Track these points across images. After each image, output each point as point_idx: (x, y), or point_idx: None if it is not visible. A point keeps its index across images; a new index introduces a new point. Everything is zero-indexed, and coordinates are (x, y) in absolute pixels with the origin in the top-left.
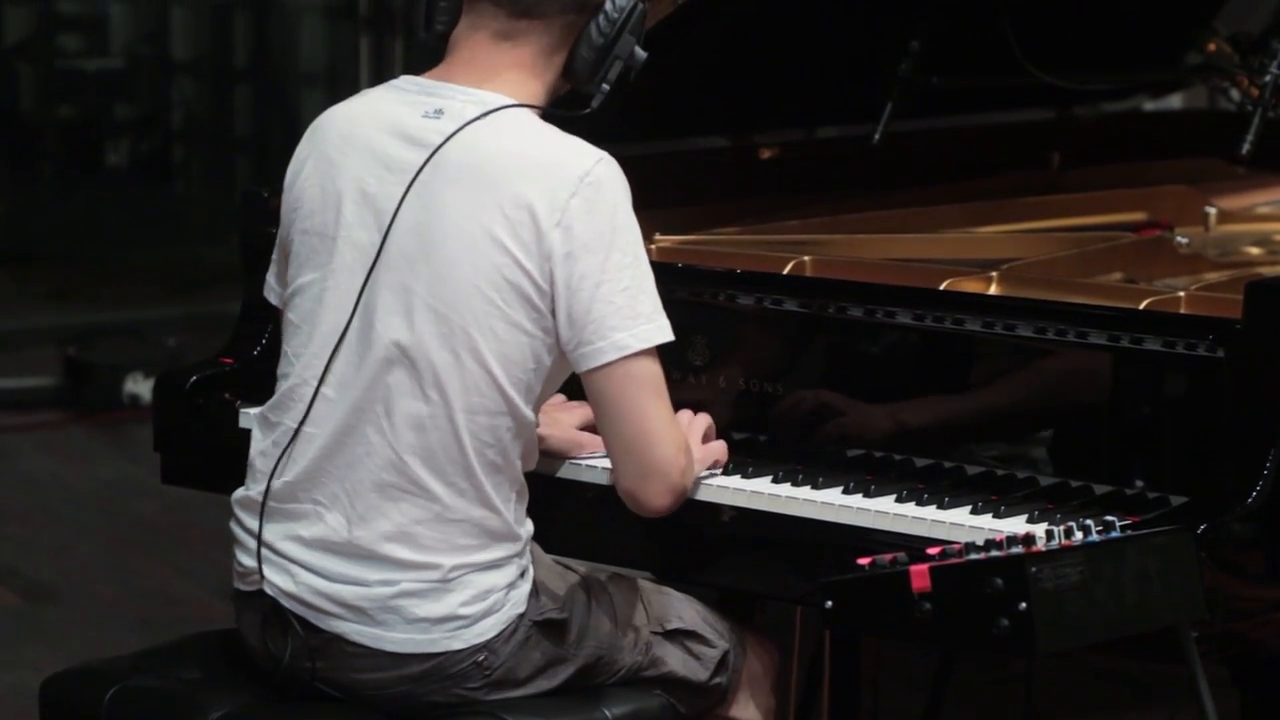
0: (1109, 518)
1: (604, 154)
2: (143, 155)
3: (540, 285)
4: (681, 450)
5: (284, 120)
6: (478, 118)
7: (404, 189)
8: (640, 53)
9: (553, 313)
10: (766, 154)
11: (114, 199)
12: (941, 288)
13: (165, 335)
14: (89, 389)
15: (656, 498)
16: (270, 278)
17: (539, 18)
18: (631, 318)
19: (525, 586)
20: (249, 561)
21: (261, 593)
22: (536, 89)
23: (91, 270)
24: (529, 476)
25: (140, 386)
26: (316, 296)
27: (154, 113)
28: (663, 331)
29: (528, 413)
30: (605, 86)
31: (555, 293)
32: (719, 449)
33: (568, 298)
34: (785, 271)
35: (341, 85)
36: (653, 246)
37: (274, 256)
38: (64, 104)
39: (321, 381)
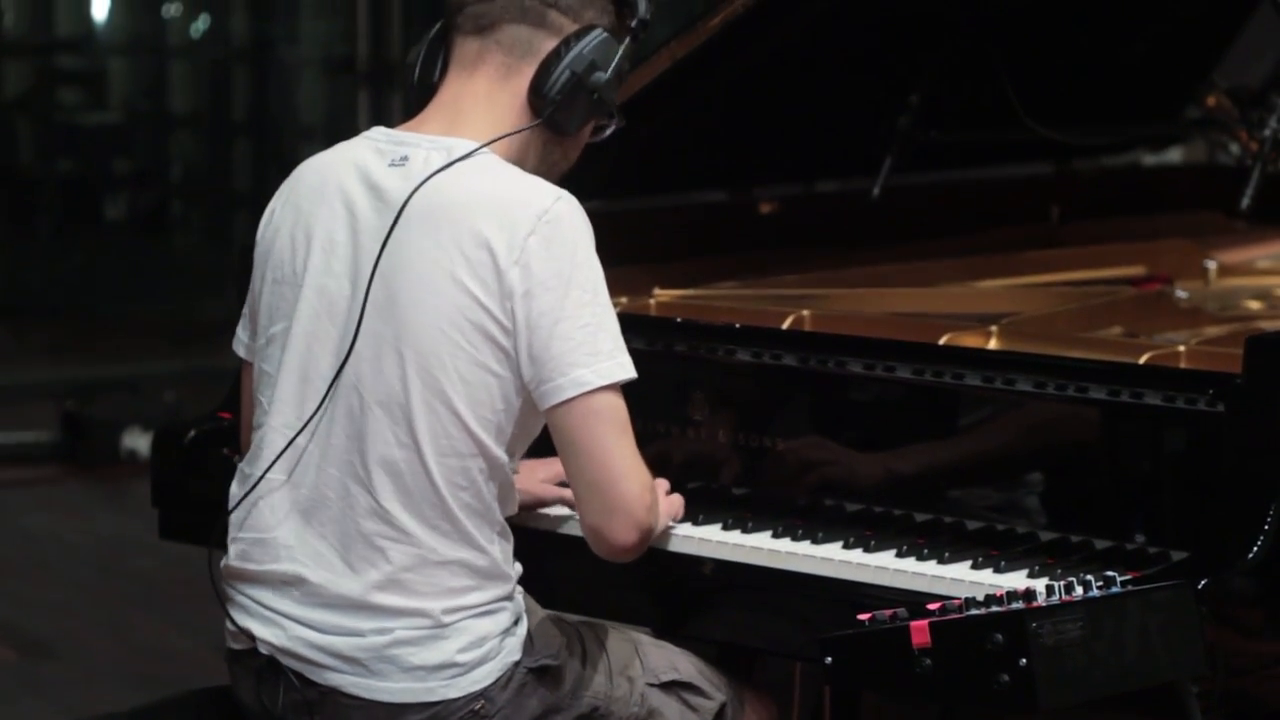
0: (1109, 573)
1: (563, 192)
2: (141, 209)
3: (503, 324)
4: (647, 488)
5: (282, 175)
6: (443, 168)
7: (369, 240)
8: (600, 76)
9: (517, 352)
10: (766, 208)
11: (112, 253)
12: (941, 342)
13: (163, 390)
14: (87, 444)
15: (622, 534)
16: (240, 330)
17: (491, 29)
18: (592, 354)
19: (520, 633)
20: (241, 620)
21: (254, 650)
22: (498, 121)
23: (89, 324)
24: (528, 531)
25: (138, 441)
26: (284, 345)
27: (152, 167)
28: (624, 368)
29: (499, 454)
30: (559, 97)
31: (517, 331)
32: (675, 504)
33: (528, 335)
34: (784, 326)
35: (340, 139)
36: (652, 301)
37: (244, 310)
38: (63, 158)
39: (292, 430)
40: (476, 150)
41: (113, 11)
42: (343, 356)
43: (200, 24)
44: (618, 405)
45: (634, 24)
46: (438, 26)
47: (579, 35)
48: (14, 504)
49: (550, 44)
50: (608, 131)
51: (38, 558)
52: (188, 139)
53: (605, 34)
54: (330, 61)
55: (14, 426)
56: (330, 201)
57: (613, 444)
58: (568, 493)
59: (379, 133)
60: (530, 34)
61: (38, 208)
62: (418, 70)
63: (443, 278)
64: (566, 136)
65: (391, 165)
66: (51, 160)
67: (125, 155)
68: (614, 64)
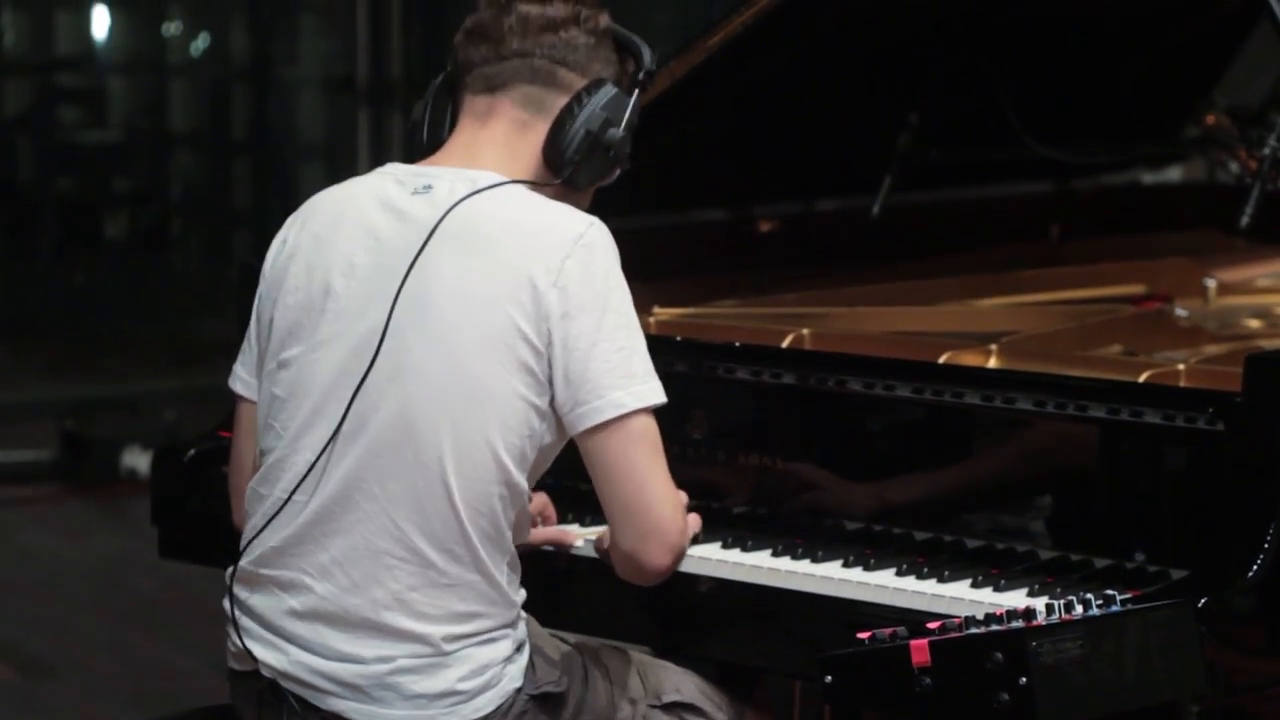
0: (1109, 592)
1: (594, 218)
2: (141, 228)
3: (538, 348)
4: (680, 510)
5: (282, 194)
6: (471, 194)
7: (395, 262)
8: (614, 133)
9: (549, 377)
10: (766, 227)
11: (112, 272)
12: (941, 361)
13: (163, 408)
14: (87, 462)
15: (657, 557)
16: (238, 367)
17: (502, 89)
18: (627, 377)
19: (522, 660)
20: (244, 640)
21: (256, 672)
22: (515, 169)
23: (89, 343)
24: (528, 553)
25: (138, 460)
26: (303, 369)
27: (152, 186)
28: (656, 392)
29: (520, 481)
30: (577, 158)
31: (552, 354)
32: (693, 522)
33: (564, 358)
34: (784, 345)
35: (340, 159)
36: (651, 319)
37: (245, 345)
38: (63, 176)
39: (314, 451)
40: (504, 182)
41: (113, 30)
42: (363, 376)
43: (200, 43)
44: (651, 428)
45: (641, 76)
46: (440, 80)
47: (589, 91)
48: (14, 523)
49: (561, 100)
50: (613, 175)
51: (37, 577)
52: (187, 158)
53: (615, 89)
54: (330, 81)
55: (14, 445)
56: (350, 227)
57: (647, 468)
58: (552, 532)
59: (395, 168)
60: (542, 93)
61: (37, 226)
62: (426, 127)
63: (479, 302)
64: (580, 190)
65: (415, 194)
66: (51, 179)
67: (125, 174)
68: (626, 118)
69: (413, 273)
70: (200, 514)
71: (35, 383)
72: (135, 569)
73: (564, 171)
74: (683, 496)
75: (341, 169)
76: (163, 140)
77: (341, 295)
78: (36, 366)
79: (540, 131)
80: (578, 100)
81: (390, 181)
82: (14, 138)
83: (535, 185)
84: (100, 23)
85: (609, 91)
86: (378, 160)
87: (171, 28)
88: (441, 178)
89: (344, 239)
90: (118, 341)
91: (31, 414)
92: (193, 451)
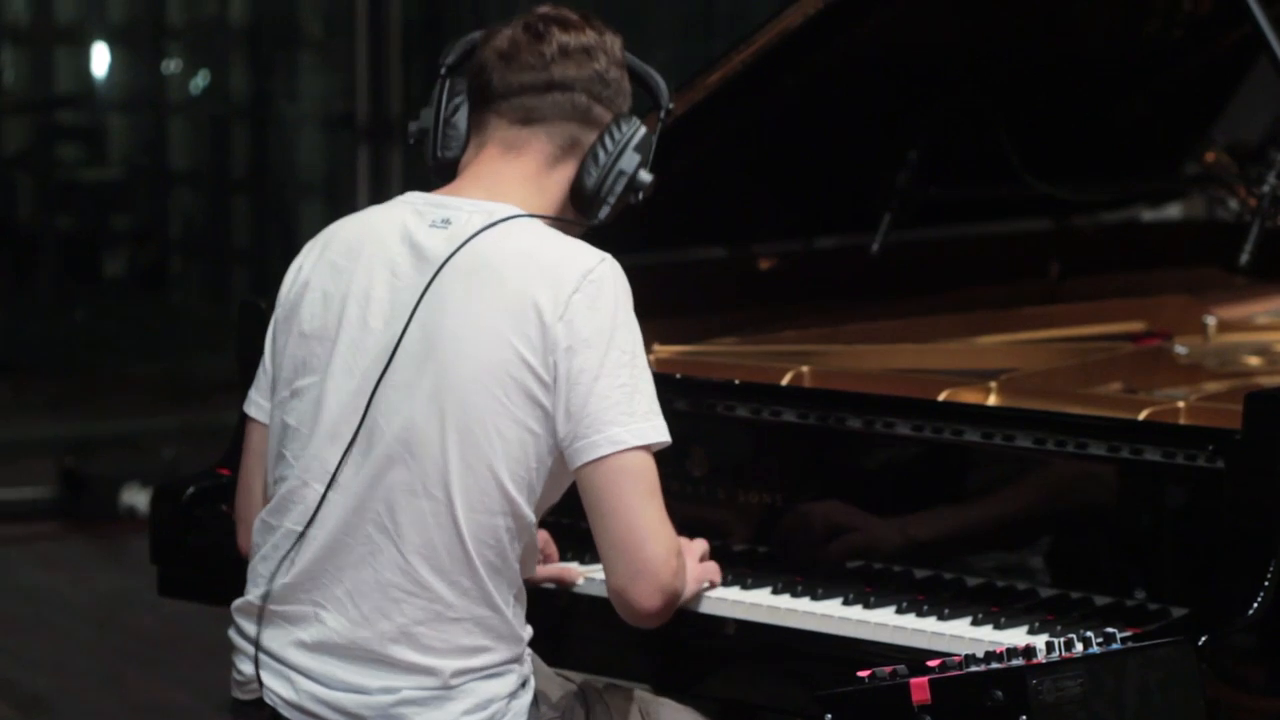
0: (1110, 629)
1: (606, 254)
2: (140, 266)
3: (544, 380)
4: (673, 552)
5: (282, 231)
6: (485, 228)
7: (411, 297)
8: (645, 175)
9: (555, 408)
10: (765, 264)
11: (111, 309)
12: (940, 398)
13: (162, 446)
14: (85, 500)
15: (646, 598)
16: (253, 392)
17: (540, 123)
18: (627, 414)
19: (526, 697)
20: (249, 669)
21: (260, 702)
22: (541, 204)
23: (88, 381)
24: (530, 590)
25: (137, 497)
26: (316, 399)
27: (152, 223)
28: (658, 431)
29: (528, 513)
30: (610, 200)
31: (557, 386)
32: (712, 569)
33: (567, 391)
34: (784, 382)
35: (340, 197)
36: (652, 356)
37: (260, 369)
38: (62, 214)
39: (323, 482)
40: (520, 215)
41: (112, 68)
42: (365, 409)
43: (200, 80)
44: (649, 467)
45: (662, 114)
46: (459, 101)
47: (618, 126)
48: (13, 561)
49: (591, 137)
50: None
51: (36, 614)
52: (187, 195)
53: (644, 128)
54: (330, 118)
55: (13, 483)
56: (369, 259)
57: (641, 506)
58: (554, 570)
59: (415, 197)
60: (579, 131)
61: (37, 264)
62: (438, 142)
63: (486, 334)
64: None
65: (433, 226)
66: (51, 216)
67: (125, 211)
68: (651, 157)
69: (423, 306)
70: (199, 552)
71: (34, 420)
72: (134, 607)
73: (595, 211)
74: (699, 543)
75: (341, 206)
76: (162, 178)
77: (356, 327)
78: (35, 404)
79: (570, 167)
80: (609, 135)
81: (410, 212)
82: (14, 175)
83: (555, 221)
84: (100, 61)
85: (639, 131)
86: (378, 197)
87: (171, 65)
88: (460, 210)
89: (362, 270)
90: (117, 379)
91: (30, 451)
92: (192, 489)
